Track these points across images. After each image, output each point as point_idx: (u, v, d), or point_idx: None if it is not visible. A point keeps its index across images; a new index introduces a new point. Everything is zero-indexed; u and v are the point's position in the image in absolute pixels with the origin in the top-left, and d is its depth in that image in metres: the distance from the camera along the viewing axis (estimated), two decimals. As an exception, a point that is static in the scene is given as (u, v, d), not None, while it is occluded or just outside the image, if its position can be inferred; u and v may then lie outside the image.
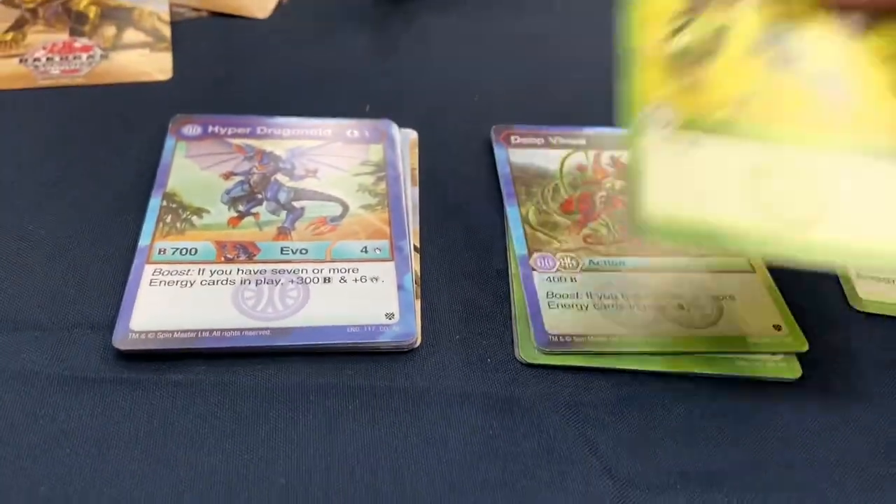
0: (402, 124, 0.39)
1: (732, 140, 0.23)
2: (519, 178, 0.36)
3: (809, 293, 0.32)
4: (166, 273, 0.30)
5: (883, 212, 0.23)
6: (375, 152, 0.37)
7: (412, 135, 0.39)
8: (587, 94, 0.43)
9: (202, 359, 0.28)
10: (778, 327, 0.30)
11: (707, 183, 0.23)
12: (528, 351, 0.29)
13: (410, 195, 0.35)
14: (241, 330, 0.28)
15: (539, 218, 0.34)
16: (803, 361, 0.30)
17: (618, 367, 0.29)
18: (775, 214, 0.23)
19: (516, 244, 0.33)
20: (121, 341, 0.28)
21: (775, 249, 0.23)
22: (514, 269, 0.32)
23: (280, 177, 0.35)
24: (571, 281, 0.32)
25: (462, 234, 0.34)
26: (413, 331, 0.29)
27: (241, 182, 0.35)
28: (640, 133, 0.23)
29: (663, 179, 0.22)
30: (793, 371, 0.29)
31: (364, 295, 0.30)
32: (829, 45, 0.24)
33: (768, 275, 0.32)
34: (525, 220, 0.34)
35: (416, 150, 0.38)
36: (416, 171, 0.37)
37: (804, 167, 0.23)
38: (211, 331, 0.28)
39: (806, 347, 0.29)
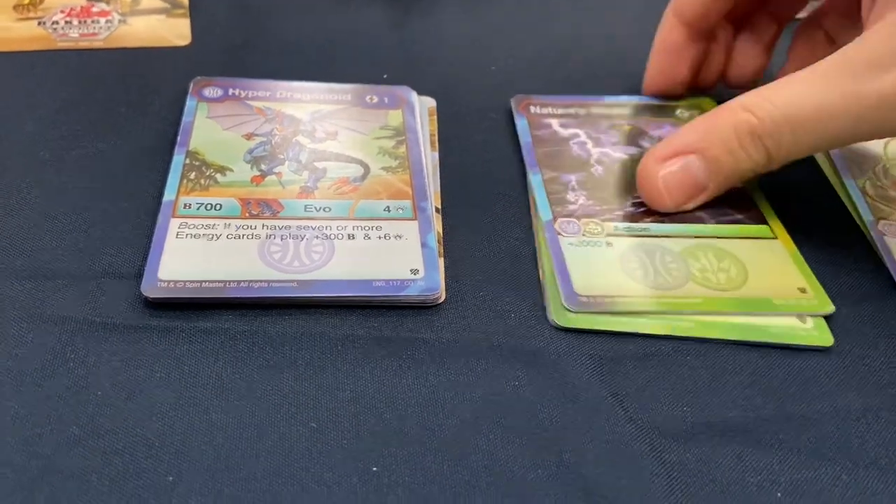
0: (419, 92, 0.39)
1: None
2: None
3: (841, 265, 0.32)
4: (192, 227, 0.30)
5: None
6: (394, 117, 0.38)
7: (430, 102, 0.39)
8: (604, 63, 0.44)
9: (230, 308, 0.28)
10: (803, 290, 0.31)
11: None
12: (555, 310, 0.29)
13: (430, 159, 0.36)
14: (269, 281, 0.29)
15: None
16: (835, 330, 0.30)
17: (646, 332, 0.29)
18: None
19: (541, 210, 0.33)
20: (149, 289, 0.28)
21: None
22: (540, 234, 0.32)
23: (301, 139, 0.36)
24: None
25: (482, 198, 0.35)
26: (438, 286, 0.29)
27: (263, 143, 0.35)
28: None
29: None
30: (824, 339, 0.29)
31: (388, 251, 0.31)
32: None
33: (791, 242, 0.33)
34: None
35: (434, 117, 0.39)
36: (435, 137, 0.37)
37: None
38: (238, 282, 0.29)
39: (831, 308, 0.30)
